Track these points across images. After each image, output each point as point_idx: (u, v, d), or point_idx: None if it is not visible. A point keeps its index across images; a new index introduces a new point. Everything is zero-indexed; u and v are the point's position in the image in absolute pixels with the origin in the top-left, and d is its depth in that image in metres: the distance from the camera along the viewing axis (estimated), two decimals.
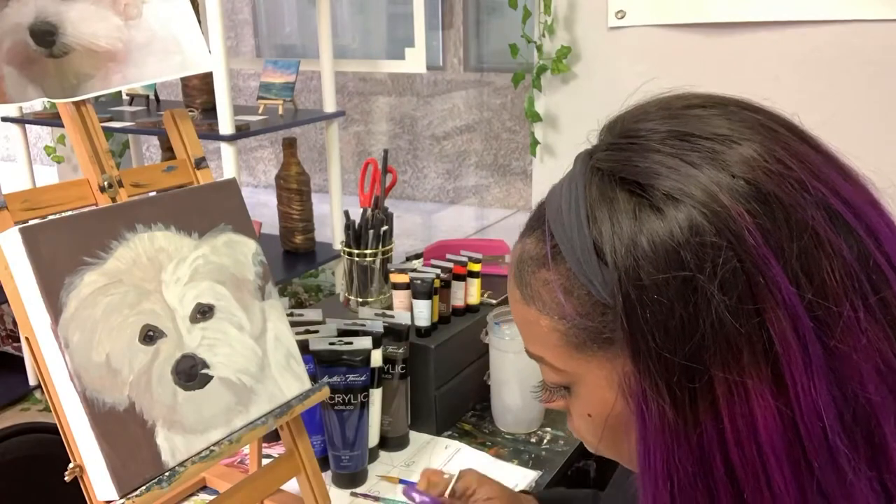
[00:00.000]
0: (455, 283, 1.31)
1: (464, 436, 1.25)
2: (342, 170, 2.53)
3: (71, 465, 0.77)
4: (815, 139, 0.51)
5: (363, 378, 1.10)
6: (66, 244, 0.78)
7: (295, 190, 2.33)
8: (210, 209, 0.92)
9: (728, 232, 0.46)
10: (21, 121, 2.47)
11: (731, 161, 0.48)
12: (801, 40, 1.72)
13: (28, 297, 0.76)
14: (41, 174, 2.71)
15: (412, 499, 0.97)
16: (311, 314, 1.20)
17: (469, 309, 1.34)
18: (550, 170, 2.08)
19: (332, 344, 1.10)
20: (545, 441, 1.23)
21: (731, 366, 0.45)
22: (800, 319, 0.45)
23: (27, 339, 0.77)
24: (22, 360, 2.83)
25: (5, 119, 2.49)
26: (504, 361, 1.24)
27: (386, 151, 1.41)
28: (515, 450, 1.21)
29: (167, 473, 0.79)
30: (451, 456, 1.20)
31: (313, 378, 1.00)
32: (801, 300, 0.45)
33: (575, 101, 1.98)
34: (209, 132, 2.06)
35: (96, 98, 2.35)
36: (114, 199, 0.88)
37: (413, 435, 1.24)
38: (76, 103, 0.88)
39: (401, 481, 1.13)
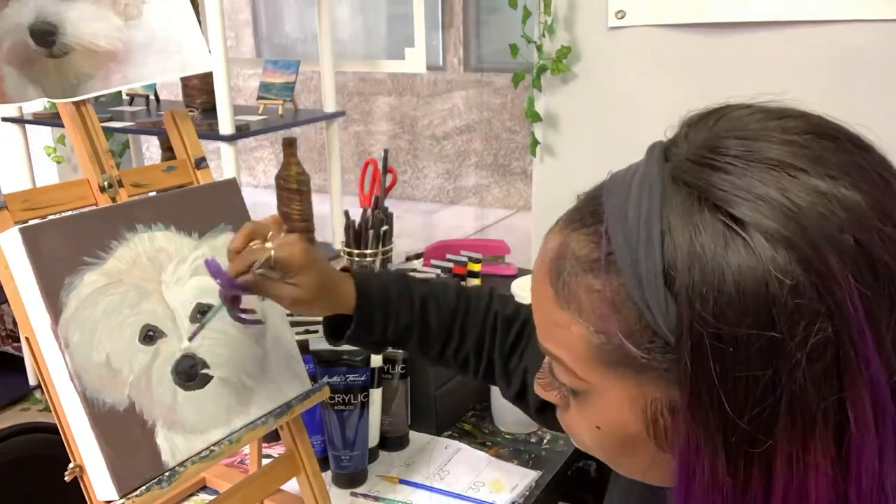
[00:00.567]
0: None
1: (464, 436, 1.25)
2: (342, 170, 2.53)
3: (71, 465, 0.77)
4: None
5: (363, 378, 1.10)
6: (66, 244, 0.78)
7: (295, 190, 2.33)
8: (210, 209, 0.92)
9: (830, 298, 0.40)
10: (21, 121, 2.47)
11: (840, 211, 0.42)
12: (801, 40, 1.72)
13: (28, 297, 0.76)
14: (41, 174, 2.71)
15: (212, 274, 0.79)
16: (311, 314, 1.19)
17: None
18: (550, 170, 2.08)
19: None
20: (545, 441, 1.23)
21: (797, 440, 0.41)
22: (883, 402, 0.41)
23: (27, 339, 0.77)
24: (22, 360, 2.83)
25: (5, 119, 2.49)
26: None
27: (386, 151, 1.41)
28: (515, 450, 1.21)
29: (167, 473, 0.79)
30: (451, 456, 1.20)
31: (313, 378, 1.00)
32: (889, 381, 0.41)
33: (575, 101, 1.98)
34: (209, 132, 2.06)
35: (96, 98, 2.34)
36: (114, 199, 0.88)
37: (413, 435, 1.24)
38: (76, 103, 0.88)
39: (401, 481, 1.13)
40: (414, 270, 1.30)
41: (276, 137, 5.62)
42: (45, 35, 0.84)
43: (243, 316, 0.82)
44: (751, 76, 1.76)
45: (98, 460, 0.76)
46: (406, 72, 2.56)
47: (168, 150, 2.50)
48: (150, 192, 0.92)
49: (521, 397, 0.88)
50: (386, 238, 1.33)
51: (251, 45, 6.41)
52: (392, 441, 1.21)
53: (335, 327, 0.87)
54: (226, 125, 2.02)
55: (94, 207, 0.87)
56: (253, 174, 6.59)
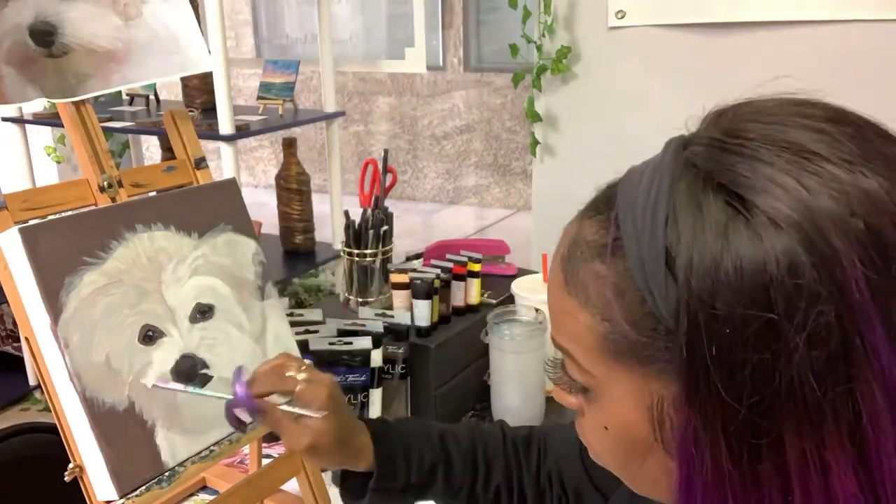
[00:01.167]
0: (455, 283, 1.31)
1: None
2: (342, 170, 2.53)
3: (71, 465, 0.77)
4: None
5: (363, 378, 1.10)
6: (66, 244, 0.78)
7: (295, 190, 2.33)
8: (210, 209, 0.92)
9: (831, 280, 0.39)
10: (21, 121, 2.47)
11: (853, 195, 0.40)
12: (801, 40, 1.72)
13: (28, 297, 0.76)
14: (41, 174, 2.71)
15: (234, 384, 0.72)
16: (311, 314, 1.20)
17: (469, 309, 1.34)
18: (550, 170, 2.08)
19: (331, 344, 1.10)
20: None
21: (808, 434, 0.40)
22: None
23: (27, 339, 0.77)
24: (22, 360, 2.83)
25: (5, 119, 2.49)
26: (504, 361, 1.23)
27: (386, 151, 1.41)
28: None
29: (167, 473, 0.79)
30: None
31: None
32: None
33: (575, 101, 1.98)
34: (209, 132, 2.06)
35: (96, 98, 2.35)
36: (114, 199, 0.88)
37: None
38: (76, 103, 0.88)
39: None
40: (414, 270, 1.30)
41: (276, 137, 5.62)
42: (45, 35, 0.84)
43: (235, 424, 0.74)
44: (751, 76, 1.75)
45: (98, 460, 0.76)
46: (406, 72, 2.57)
47: (168, 150, 2.50)
48: (150, 192, 0.93)
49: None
50: (386, 238, 1.33)
51: (251, 45, 6.42)
52: None
53: (353, 487, 0.80)
54: (226, 125, 2.02)
55: (93, 207, 0.87)
56: (253, 174, 6.59)
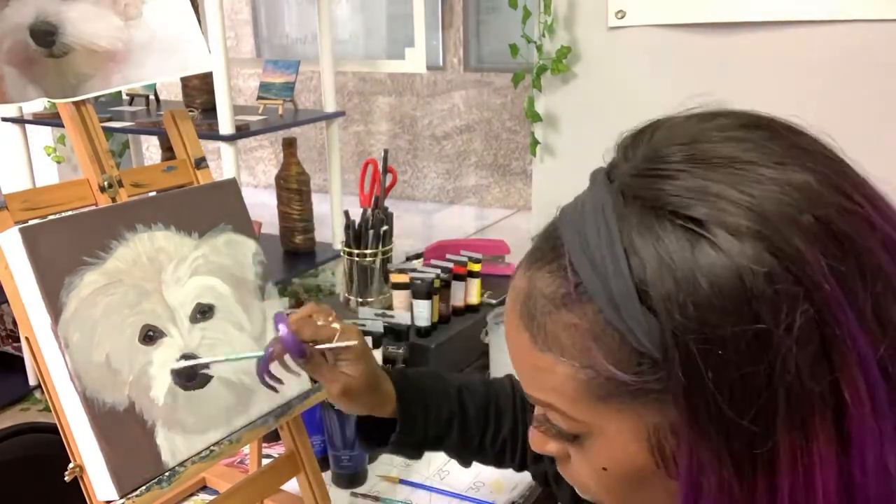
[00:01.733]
0: (455, 283, 1.31)
1: None
2: (342, 170, 2.53)
3: (71, 465, 0.77)
4: (852, 162, 0.46)
5: None
6: (66, 244, 0.78)
7: (295, 190, 2.33)
8: (210, 209, 0.92)
9: (805, 278, 0.40)
10: (21, 121, 2.47)
11: (794, 194, 0.42)
12: (801, 40, 1.72)
13: (28, 297, 0.76)
14: (41, 174, 2.71)
15: (277, 329, 0.76)
16: None
17: (469, 309, 1.34)
18: (550, 170, 2.08)
19: None
20: None
21: (798, 430, 0.41)
22: (874, 378, 0.41)
23: (27, 339, 0.77)
24: (22, 360, 2.83)
25: (5, 119, 2.49)
26: (504, 361, 1.23)
27: (386, 151, 1.41)
28: None
29: (167, 473, 0.79)
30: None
31: (313, 378, 1.00)
32: (875, 355, 0.41)
33: (575, 101, 1.98)
34: (209, 132, 2.06)
35: (96, 98, 2.35)
36: (114, 199, 0.88)
37: None
38: (76, 103, 0.88)
39: (401, 481, 1.13)
40: (414, 270, 1.30)
41: (276, 137, 5.62)
42: (46, 35, 0.84)
43: (269, 381, 0.77)
44: (751, 76, 1.76)
45: (98, 460, 0.76)
46: (406, 72, 2.56)
47: (168, 150, 2.50)
48: (150, 192, 0.92)
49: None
50: (386, 238, 1.33)
51: (251, 45, 6.42)
52: None
53: (370, 434, 0.86)
54: (226, 125, 2.02)
55: (94, 207, 0.87)
56: (253, 174, 6.59)
